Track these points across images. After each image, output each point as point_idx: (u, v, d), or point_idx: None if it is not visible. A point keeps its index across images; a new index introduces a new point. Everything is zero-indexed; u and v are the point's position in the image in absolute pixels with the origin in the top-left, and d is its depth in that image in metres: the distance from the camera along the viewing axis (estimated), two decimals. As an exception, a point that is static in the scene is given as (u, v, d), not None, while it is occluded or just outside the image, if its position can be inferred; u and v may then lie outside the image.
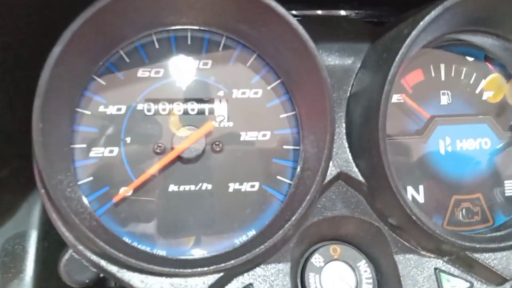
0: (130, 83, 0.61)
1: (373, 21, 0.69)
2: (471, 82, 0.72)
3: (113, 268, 0.55)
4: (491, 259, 0.62)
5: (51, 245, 0.71)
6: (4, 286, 0.67)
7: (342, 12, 0.69)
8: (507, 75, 0.73)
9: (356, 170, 0.63)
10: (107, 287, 0.71)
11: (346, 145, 0.64)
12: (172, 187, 0.61)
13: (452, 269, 0.64)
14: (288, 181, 0.63)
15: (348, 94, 0.65)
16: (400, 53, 0.56)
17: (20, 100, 0.59)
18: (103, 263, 0.55)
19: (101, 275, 0.59)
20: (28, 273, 0.69)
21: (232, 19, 0.58)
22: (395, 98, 0.69)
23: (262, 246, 0.56)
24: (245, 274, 0.59)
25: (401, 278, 0.62)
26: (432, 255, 0.64)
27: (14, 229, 0.70)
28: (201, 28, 0.61)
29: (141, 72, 0.61)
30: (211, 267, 0.55)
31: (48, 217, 0.72)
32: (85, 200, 0.58)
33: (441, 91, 0.71)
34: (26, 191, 0.71)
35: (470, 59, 0.73)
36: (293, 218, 0.57)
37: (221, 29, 0.61)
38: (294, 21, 0.54)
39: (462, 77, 0.72)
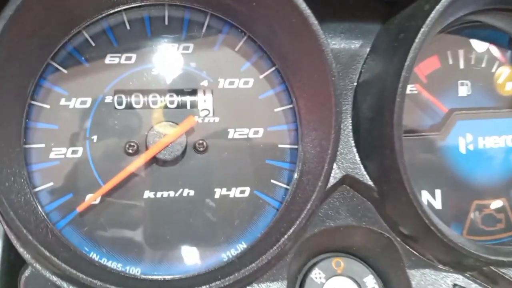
0: (97, 71, 0.51)
1: (384, -1, 0.60)
2: (493, 70, 0.63)
3: None
4: (519, 274, 0.54)
5: (18, 256, 0.62)
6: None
7: (349, -12, 0.59)
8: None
9: (365, 172, 0.54)
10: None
11: (353, 143, 0.55)
12: (148, 194, 0.52)
13: (474, 286, 0.56)
14: (284, 185, 0.54)
15: (355, 83, 0.56)
16: (421, 32, 0.47)
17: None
18: (64, 285, 0.46)
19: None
20: (-8, 285, 0.61)
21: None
22: (408, 89, 0.60)
23: (254, 264, 0.47)
24: (233, 296, 0.51)
25: (416, 298, 0.54)
26: (451, 270, 0.56)
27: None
28: (180, 3, 0.51)
29: (110, 59, 0.51)
30: (193, 290, 0.46)
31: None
32: (42, 211, 0.49)
33: (460, 81, 0.62)
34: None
35: (492, 44, 0.64)
36: (291, 231, 0.48)
37: (203, 5, 0.51)
38: (291, -7, 0.45)
39: (484, 65, 0.63)
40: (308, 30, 0.46)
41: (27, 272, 0.51)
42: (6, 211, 0.43)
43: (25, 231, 0.44)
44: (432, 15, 0.46)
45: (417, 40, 0.46)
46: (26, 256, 0.47)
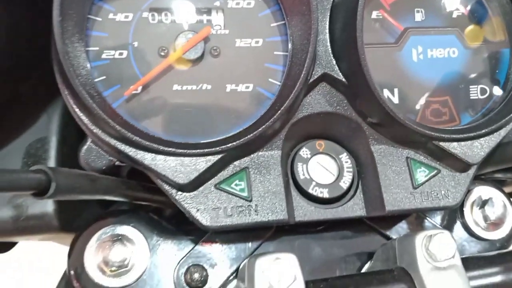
0: (136, -6, 0.68)
1: None
2: (443, 1, 0.80)
3: (126, 148, 0.63)
4: (456, 147, 0.72)
5: (69, 150, 0.79)
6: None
7: None
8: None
9: (339, 71, 0.71)
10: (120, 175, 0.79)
11: (330, 50, 0.72)
12: (176, 87, 0.69)
13: (422, 158, 0.74)
14: (278, 83, 0.72)
15: (331, 4, 0.73)
16: None
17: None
18: (118, 144, 0.63)
19: (116, 162, 0.68)
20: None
21: None
22: (374, 14, 0.77)
23: (256, 132, 0.65)
24: (242, 159, 0.68)
25: (378, 167, 0.72)
26: (404, 146, 0.74)
27: (36, 135, 0.78)
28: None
29: None
30: (213, 149, 0.64)
31: (66, 124, 0.80)
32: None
33: (416, 9, 0.79)
34: (45, 103, 0.79)
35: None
36: (281, 109, 0.66)
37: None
38: None
39: (436, -4, 0.80)
40: None
41: (85, 146, 0.68)
42: (78, 86, 0.60)
43: (90, 101, 0.60)
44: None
45: None
46: (87, 121, 0.64)
